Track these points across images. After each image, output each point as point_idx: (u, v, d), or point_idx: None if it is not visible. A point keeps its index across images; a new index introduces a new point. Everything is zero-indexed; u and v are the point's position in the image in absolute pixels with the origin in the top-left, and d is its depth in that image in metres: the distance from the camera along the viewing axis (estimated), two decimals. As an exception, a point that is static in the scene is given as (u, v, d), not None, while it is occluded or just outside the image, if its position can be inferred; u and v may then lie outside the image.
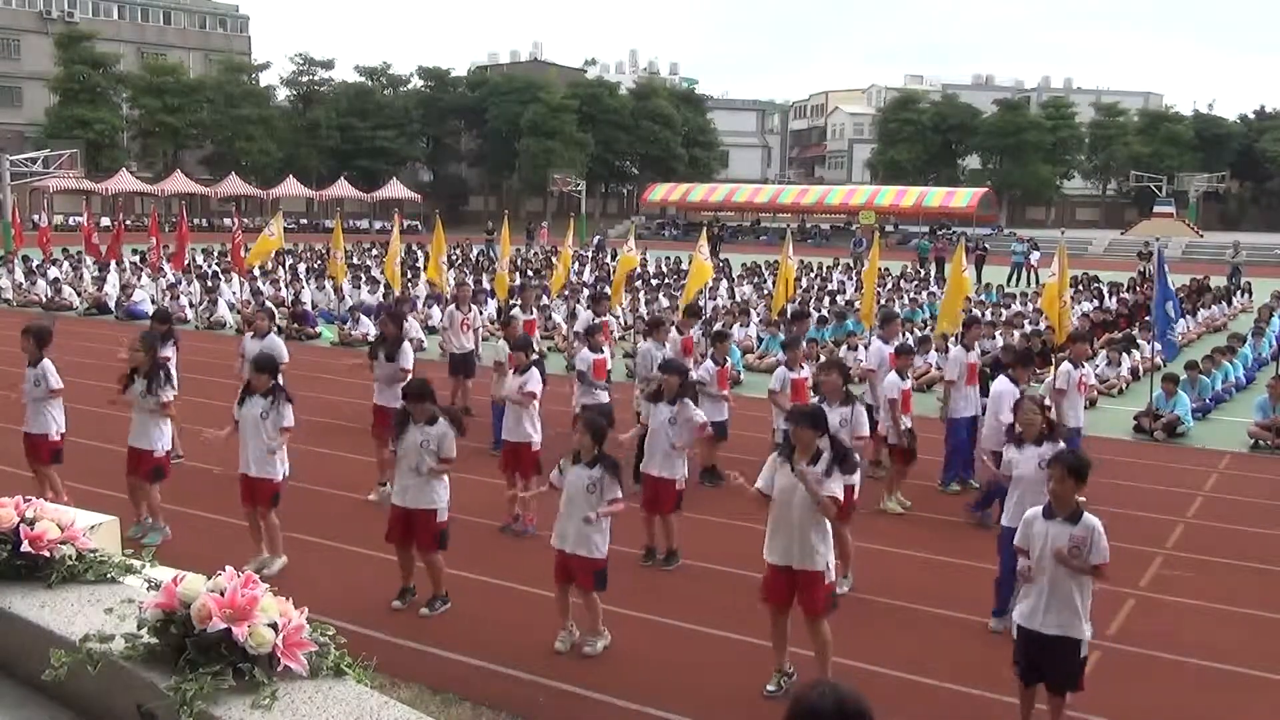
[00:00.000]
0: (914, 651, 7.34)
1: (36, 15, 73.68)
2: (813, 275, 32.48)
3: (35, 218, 45.94)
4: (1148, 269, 31.38)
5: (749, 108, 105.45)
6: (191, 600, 2.91)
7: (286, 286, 27.59)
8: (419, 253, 35.16)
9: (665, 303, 23.77)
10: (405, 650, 7.07)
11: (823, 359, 11.72)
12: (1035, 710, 6.07)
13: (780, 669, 6.61)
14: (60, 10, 74.20)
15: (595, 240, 51.91)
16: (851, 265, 36.07)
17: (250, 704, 2.72)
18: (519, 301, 16.34)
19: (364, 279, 26.54)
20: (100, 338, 21.53)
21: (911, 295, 26.40)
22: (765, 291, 26.36)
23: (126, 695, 2.89)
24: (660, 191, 74.38)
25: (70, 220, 54.85)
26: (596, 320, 13.48)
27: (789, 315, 17.29)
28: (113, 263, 29.60)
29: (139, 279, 27.81)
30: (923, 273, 35.64)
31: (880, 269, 17.81)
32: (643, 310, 22.65)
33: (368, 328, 21.64)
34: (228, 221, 48.83)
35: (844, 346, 17.13)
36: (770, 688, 6.56)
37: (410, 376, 9.76)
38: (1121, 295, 27.36)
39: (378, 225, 61.29)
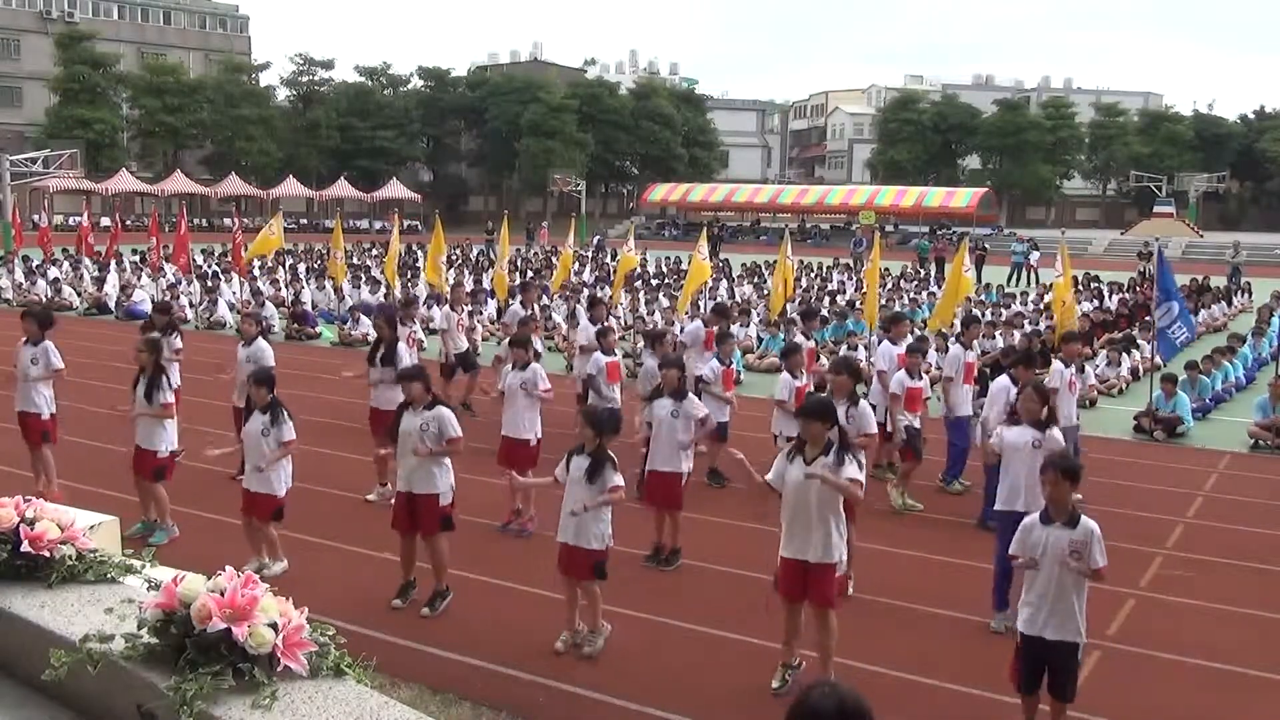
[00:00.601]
0: (914, 651, 7.34)
1: (36, 15, 73.71)
2: (813, 275, 32.48)
3: (35, 218, 45.95)
4: (1148, 269, 31.35)
5: (749, 108, 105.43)
6: (191, 600, 2.91)
7: (286, 286, 27.59)
8: (419, 252, 35.16)
9: (665, 303, 23.77)
10: (405, 650, 7.07)
11: (827, 359, 11.70)
12: (1037, 711, 6.07)
13: (786, 663, 6.63)
14: (60, 10, 74.23)
15: (595, 240, 51.92)
16: (851, 265, 36.07)
17: (250, 704, 2.72)
18: (520, 300, 16.33)
19: (364, 279, 26.55)
20: (100, 338, 21.54)
21: (911, 295, 26.39)
22: (765, 291, 26.35)
23: (126, 695, 2.90)
24: (660, 191, 74.38)
25: (70, 220, 54.85)
26: (597, 326, 13.42)
27: (798, 314, 17.23)
28: (112, 263, 29.61)
29: (139, 279, 27.82)
30: (923, 273, 35.64)
31: (880, 269, 17.81)
32: (642, 310, 22.67)
33: (368, 328, 21.61)
34: (228, 221, 48.85)
35: (844, 346, 17.12)
36: (775, 684, 6.57)
37: None
38: (1122, 295, 27.36)
39: (378, 225, 61.29)
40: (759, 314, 22.01)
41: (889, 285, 27.50)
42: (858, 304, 22.30)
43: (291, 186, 67.96)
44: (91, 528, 4.26)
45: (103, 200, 63.10)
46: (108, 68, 68.70)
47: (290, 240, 37.39)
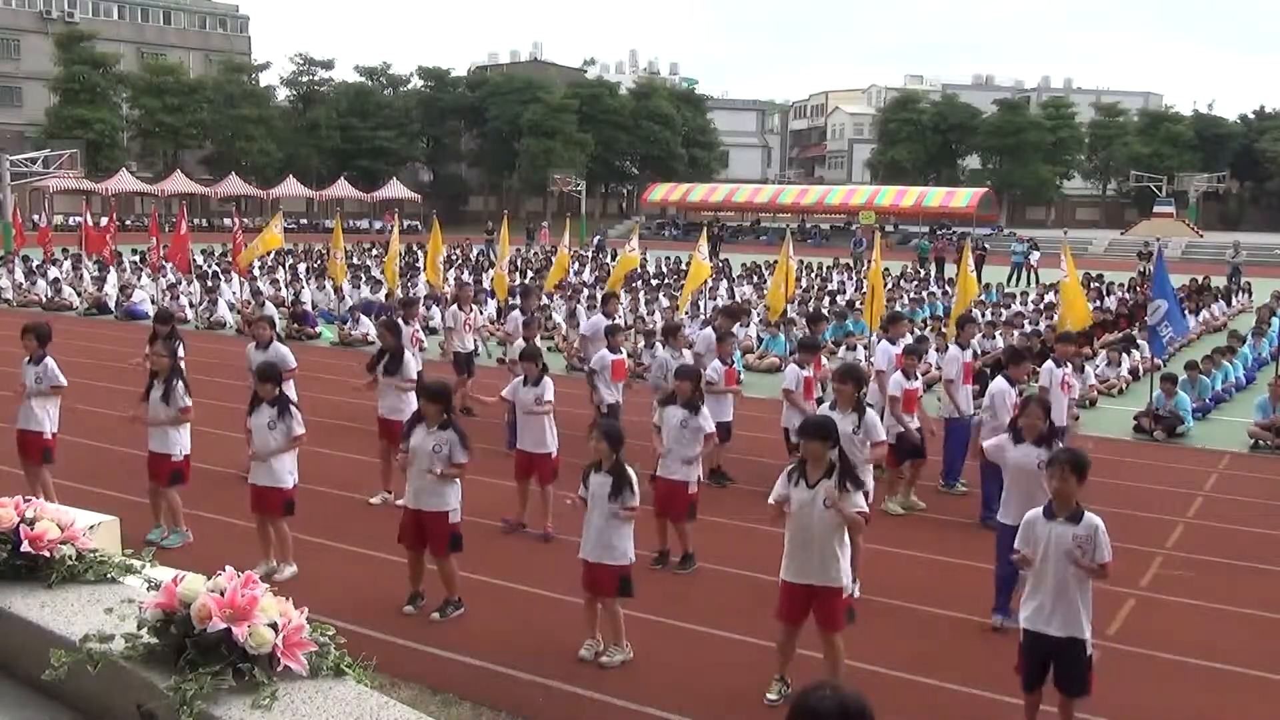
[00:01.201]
0: (914, 651, 7.34)
1: (36, 15, 73.70)
2: (813, 275, 32.48)
3: (35, 218, 46.00)
4: (1148, 269, 31.36)
5: (749, 108, 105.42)
6: (191, 600, 2.91)
7: (286, 286, 27.59)
8: (419, 252, 35.16)
9: (665, 303, 23.78)
10: (405, 650, 7.07)
11: (827, 359, 11.68)
12: (1040, 712, 6.07)
13: (782, 678, 6.56)
14: (60, 10, 74.23)
15: (595, 240, 51.90)
16: (851, 265, 36.03)
17: (250, 704, 2.72)
18: (521, 304, 16.31)
19: (364, 279, 26.55)
20: (100, 338, 21.55)
21: (912, 295, 26.39)
22: (765, 291, 26.35)
23: (126, 695, 2.89)
24: (660, 191, 74.38)
25: (70, 220, 54.85)
26: (609, 322, 13.41)
27: (803, 316, 17.21)
28: (111, 263, 29.61)
29: (139, 279, 27.82)
30: (923, 273, 35.63)
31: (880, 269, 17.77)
32: (642, 310, 22.67)
33: (368, 328, 21.64)
34: (228, 221, 48.83)
35: (843, 347, 17.11)
36: (771, 696, 6.50)
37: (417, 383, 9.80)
38: (1122, 295, 27.35)
39: (377, 225, 61.30)
40: (759, 314, 22.01)
41: (889, 285, 27.49)
42: (857, 304, 22.29)
43: (291, 186, 67.99)
44: (91, 528, 4.27)
45: (103, 200, 63.11)
46: (108, 68, 68.68)
47: (290, 240, 37.36)
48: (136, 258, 30.74)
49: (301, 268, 32.11)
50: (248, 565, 3.32)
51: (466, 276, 28.14)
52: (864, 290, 21.76)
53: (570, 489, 7.43)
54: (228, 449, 10.85)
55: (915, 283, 30.85)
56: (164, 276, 26.90)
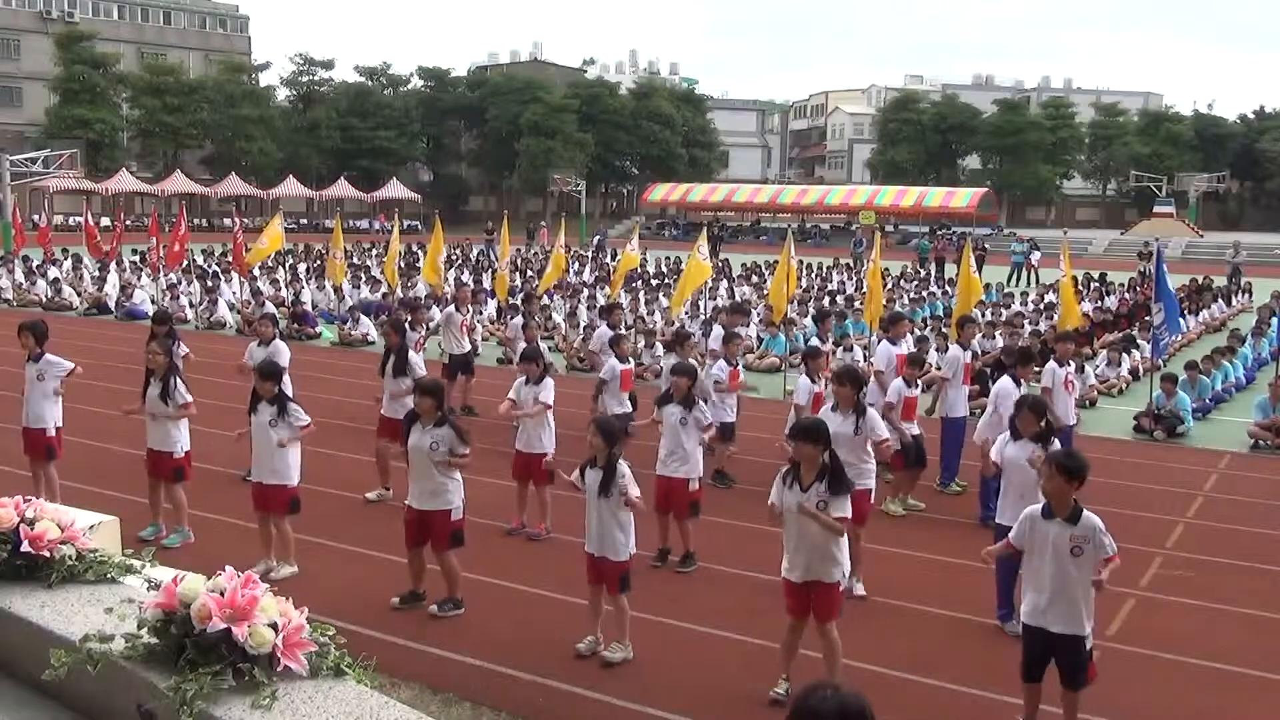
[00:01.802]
0: (914, 651, 7.34)
1: (36, 15, 73.66)
2: (813, 275, 32.47)
3: (35, 218, 45.97)
4: (1148, 269, 31.35)
5: (749, 108, 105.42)
6: (191, 600, 2.92)
7: (286, 286, 27.58)
8: (419, 252, 35.15)
9: (665, 303, 23.77)
10: (405, 650, 7.07)
11: (833, 366, 11.63)
12: (1041, 710, 6.07)
13: (785, 677, 6.57)
14: (60, 10, 74.19)
15: (595, 240, 51.88)
16: (851, 265, 36.00)
17: (250, 704, 2.72)
18: (522, 307, 16.30)
19: (364, 279, 26.54)
20: (100, 338, 21.54)
21: (912, 295, 26.39)
22: (765, 291, 26.35)
23: (126, 695, 2.90)
24: (660, 191, 74.38)
25: (70, 220, 54.85)
26: (613, 333, 13.35)
27: (814, 315, 17.16)
28: (112, 263, 29.61)
29: (139, 279, 27.81)
30: (923, 273, 35.62)
31: (880, 269, 17.77)
32: (642, 310, 22.67)
33: (368, 328, 21.65)
34: (227, 221, 48.83)
35: (840, 348, 17.09)
36: (778, 691, 6.51)
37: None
38: (1122, 296, 27.35)
39: (377, 225, 61.30)
40: (759, 314, 22.01)
41: (889, 285, 27.49)
42: (857, 303, 22.29)
43: (291, 186, 67.99)
44: (91, 528, 4.27)
45: (103, 200, 63.12)
46: (108, 68, 68.64)
47: (290, 240, 37.33)
48: (136, 258, 30.73)
49: (301, 268, 32.10)
50: (248, 565, 3.32)
51: (466, 277, 28.17)
52: (864, 290, 21.77)
53: (567, 488, 7.42)
54: (227, 448, 10.83)
55: (915, 283, 30.84)
56: (164, 276, 26.90)
